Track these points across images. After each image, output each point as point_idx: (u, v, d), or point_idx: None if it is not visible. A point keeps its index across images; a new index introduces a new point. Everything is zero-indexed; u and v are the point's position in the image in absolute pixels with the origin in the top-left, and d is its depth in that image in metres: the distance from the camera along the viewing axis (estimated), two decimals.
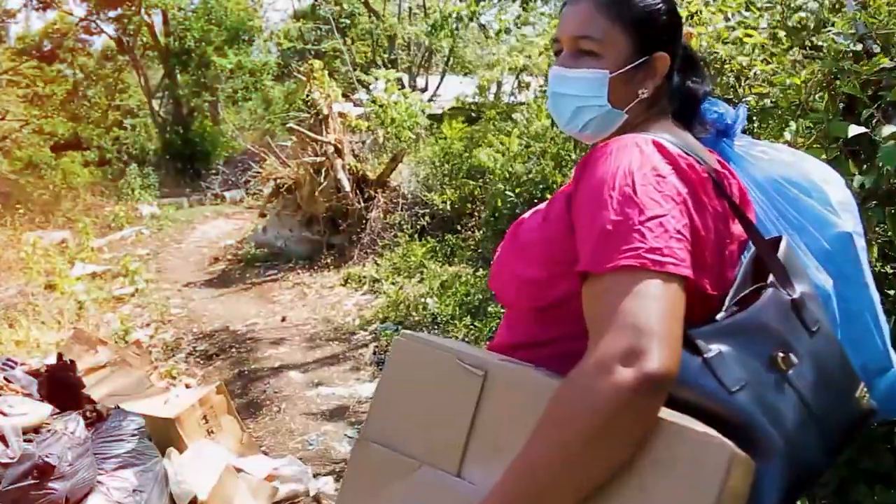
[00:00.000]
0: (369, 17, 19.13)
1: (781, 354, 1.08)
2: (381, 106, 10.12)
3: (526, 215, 1.34)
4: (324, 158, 9.14)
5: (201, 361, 5.84)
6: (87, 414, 3.07)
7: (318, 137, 9.06)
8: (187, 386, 4.82)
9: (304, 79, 9.53)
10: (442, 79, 17.91)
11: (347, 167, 9.15)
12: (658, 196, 1.06)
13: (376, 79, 11.32)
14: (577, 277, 1.08)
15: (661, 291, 1.00)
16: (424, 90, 16.74)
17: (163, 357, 5.88)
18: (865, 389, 1.19)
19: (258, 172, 10.49)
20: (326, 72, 9.54)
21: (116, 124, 21.99)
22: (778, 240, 1.24)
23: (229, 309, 7.57)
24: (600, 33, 1.26)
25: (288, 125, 9.96)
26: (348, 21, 19.41)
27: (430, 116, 11.53)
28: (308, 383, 5.21)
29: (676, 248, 1.03)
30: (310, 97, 9.37)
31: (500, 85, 12.51)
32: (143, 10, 18.51)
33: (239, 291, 8.43)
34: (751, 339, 1.08)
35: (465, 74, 16.89)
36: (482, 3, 8.49)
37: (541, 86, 8.73)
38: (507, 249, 1.33)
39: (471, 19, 7.61)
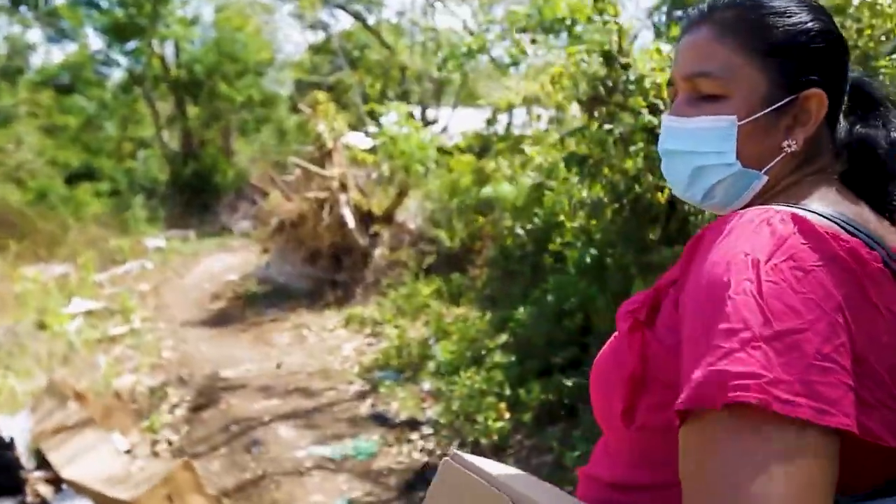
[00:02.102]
0: (381, 50, 19.02)
1: None
2: (390, 138, 9.83)
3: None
4: (328, 193, 8.83)
5: (187, 414, 5.47)
6: (27, 501, 2.71)
7: (322, 171, 8.76)
8: (155, 454, 4.44)
9: (308, 111, 9.26)
10: (453, 111, 17.70)
11: (352, 202, 8.83)
12: (796, 300, 0.71)
13: (386, 112, 11.09)
14: (676, 416, 0.73)
15: (792, 449, 0.66)
16: (435, 122, 16.51)
17: (147, 407, 5.52)
18: None
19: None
20: (332, 104, 9.26)
21: (129, 156, 22.00)
22: None
23: (223, 352, 7.22)
24: (725, 68, 0.91)
25: (291, 159, 9.67)
26: (359, 54, 19.33)
27: (440, 150, 11.26)
28: (298, 441, 4.81)
29: (819, 383, 0.68)
30: (314, 130, 9.09)
31: (511, 116, 12.25)
32: (154, 42, 18.49)
33: (236, 332, 8.08)
34: None
35: (477, 107, 16.68)
36: (491, 38, 8.24)
37: (551, 118, 8.45)
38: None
39: (479, 51, 7.33)
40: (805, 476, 0.66)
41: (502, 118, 11.86)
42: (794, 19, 0.91)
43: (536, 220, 6.98)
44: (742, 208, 0.86)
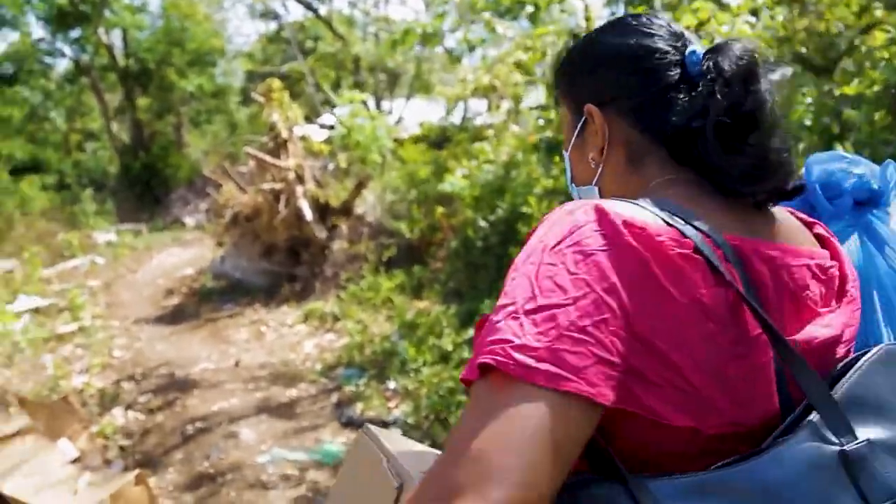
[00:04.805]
0: (334, 40, 18.72)
1: None
2: (346, 129, 9.63)
3: None
4: (283, 185, 8.60)
5: (141, 416, 5.23)
6: None
7: (277, 162, 8.52)
8: (107, 461, 4.22)
9: (261, 100, 8.99)
10: (407, 102, 17.53)
11: (309, 194, 8.62)
12: (566, 280, 0.76)
13: (340, 103, 10.88)
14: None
15: (523, 410, 0.71)
16: (390, 114, 16.32)
17: (98, 411, 5.27)
18: None
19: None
20: (286, 93, 9.01)
21: (77, 148, 21.39)
22: (856, 359, 0.84)
23: (179, 350, 6.97)
24: (561, 118, 1.13)
25: (245, 149, 9.40)
26: (313, 44, 19.00)
27: (396, 140, 11.09)
28: (260, 444, 4.62)
29: (565, 352, 0.72)
30: (267, 119, 8.84)
31: (466, 107, 12.11)
32: (100, 31, 17.92)
33: (192, 329, 7.83)
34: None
35: (431, 99, 16.53)
36: (447, 24, 8.10)
37: (509, 108, 8.35)
38: None
39: (434, 35, 7.19)
40: (533, 431, 0.70)
41: (458, 109, 11.75)
42: (576, 55, 1.06)
43: (500, 211, 6.88)
44: None
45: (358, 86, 17.07)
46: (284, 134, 8.82)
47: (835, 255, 0.94)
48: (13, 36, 20.00)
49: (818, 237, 0.96)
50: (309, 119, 12.44)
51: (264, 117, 9.19)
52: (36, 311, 8.70)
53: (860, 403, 0.80)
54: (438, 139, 11.51)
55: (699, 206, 0.88)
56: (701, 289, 0.78)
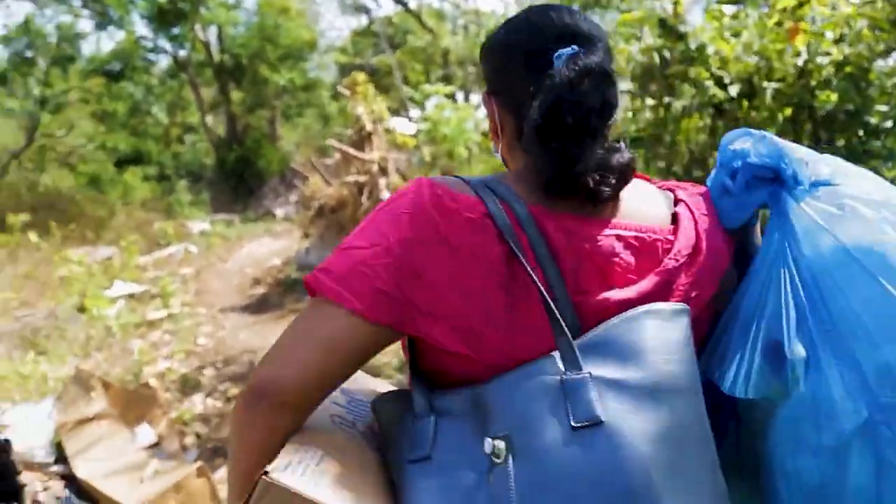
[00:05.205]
0: (424, 34, 18.73)
1: (497, 443, 0.92)
2: (433, 122, 9.56)
3: None
4: (367, 177, 8.61)
5: (219, 404, 5.30)
6: None
7: (360, 155, 8.53)
8: (184, 447, 4.27)
9: (346, 93, 9.02)
10: None
11: (392, 186, 8.59)
12: (373, 231, 1.01)
13: (428, 96, 10.82)
14: None
15: (309, 312, 1.00)
16: (479, 107, 16.19)
17: (179, 397, 5.37)
18: None
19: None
20: (371, 86, 9.01)
21: (177, 140, 22.18)
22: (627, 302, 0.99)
23: (262, 339, 7.05)
24: None
25: (329, 141, 9.45)
26: (402, 38, 19.08)
27: (485, 134, 10.97)
28: None
29: (352, 279, 0.97)
30: (353, 112, 8.86)
31: None
32: (197, 28, 18.50)
33: (275, 319, 7.92)
34: (469, 416, 0.97)
35: None
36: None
37: None
38: None
39: None
40: (305, 326, 0.98)
41: None
42: (483, 46, 1.17)
43: None
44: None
45: (447, 79, 17.04)
46: (369, 127, 8.82)
47: (677, 230, 1.06)
48: (119, 35, 20.90)
49: (675, 214, 1.09)
50: (397, 112, 12.46)
51: (349, 110, 9.22)
52: (130, 296, 8.99)
53: (599, 346, 0.93)
54: None
55: (523, 183, 1.03)
56: (482, 244, 0.96)
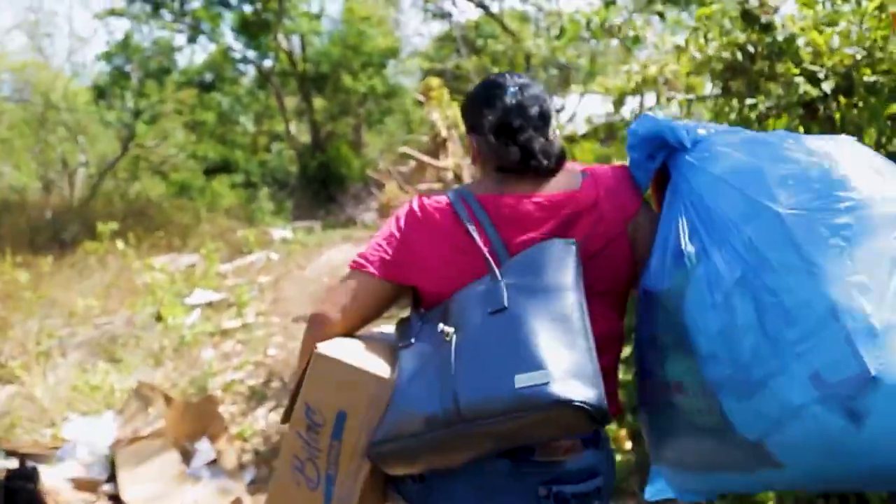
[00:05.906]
0: (506, 38, 18.47)
1: (447, 328, 1.51)
2: None
3: None
4: (441, 184, 8.41)
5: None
6: None
7: (434, 162, 8.34)
8: (241, 465, 4.13)
9: (422, 99, 8.86)
10: (581, 99, 16.92)
11: None
12: (385, 227, 1.73)
13: None
14: None
15: (353, 280, 1.68)
16: (562, 110, 15.82)
17: (243, 409, 5.28)
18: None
19: None
20: (446, 91, 8.82)
21: (264, 149, 22.61)
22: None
23: None
24: None
25: (401, 149, 9.32)
26: (484, 43, 18.86)
27: (568, 138, 10.62)
28: None
29: (370, 255, 1.68)
30: (427, 118, 8.69)
31: (642, 100, 11.40)
32: (280, 37, 18.79)
33: None
34: (437, 319, 1.56)
35: (606, 95, 15.84)
36: (618, 20, 7.54)
37: (682, 100, 7.65)
38: None
39: (602, 27, 6.65)
40: (345, 287, 1.68)
41: (629, 103, 11.06)
42: (466, 94, 1.89)
43: None
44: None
45: None
46: (444, 133, 8.64)
47: (580, 193, 1.67)
48: (211, 47, 21.45)
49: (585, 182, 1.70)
50: None
51: (425, 116, 9.06)
52: (209, 305, 9.06)
53: (514, 265, 1.56)
54: (606, 135, 10.92)
55: (480, 185, 1.72)
56: (446, 224, 1.65)
